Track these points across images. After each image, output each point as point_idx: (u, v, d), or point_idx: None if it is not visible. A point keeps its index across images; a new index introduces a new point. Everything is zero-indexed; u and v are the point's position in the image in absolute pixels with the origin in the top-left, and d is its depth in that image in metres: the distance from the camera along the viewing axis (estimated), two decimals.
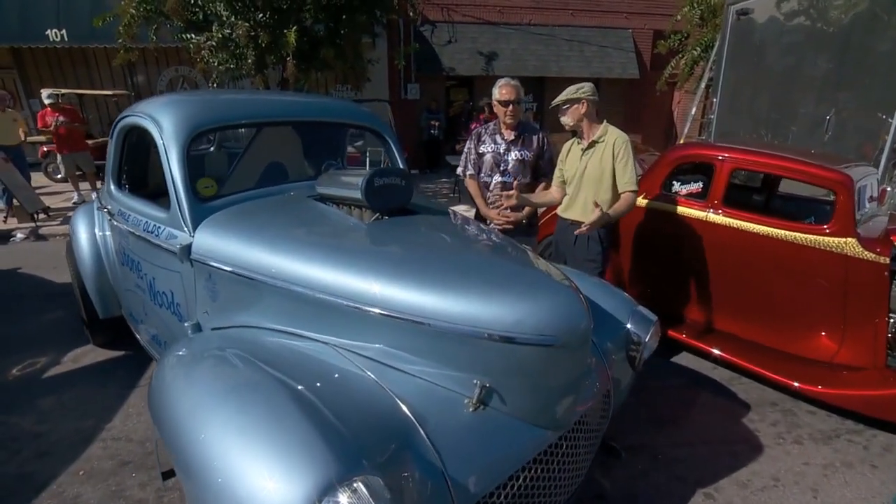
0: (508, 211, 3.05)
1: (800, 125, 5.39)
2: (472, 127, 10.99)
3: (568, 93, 2.68)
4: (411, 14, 8.85)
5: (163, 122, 1.97)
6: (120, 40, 6.37)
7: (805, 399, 2.84)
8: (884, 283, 2.67)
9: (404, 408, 1.29)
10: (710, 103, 7.06)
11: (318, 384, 1.31)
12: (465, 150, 3.20)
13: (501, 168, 3.04)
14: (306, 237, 1.73)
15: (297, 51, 6.72)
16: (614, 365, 1.93)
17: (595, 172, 2.69)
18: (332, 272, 1.52)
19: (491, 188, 3.08)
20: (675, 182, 3.35)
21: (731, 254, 3.07)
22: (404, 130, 11.61)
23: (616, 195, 2.71)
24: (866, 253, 2.66)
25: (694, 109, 8.18)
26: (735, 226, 3.00)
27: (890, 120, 4.49)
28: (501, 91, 2.94)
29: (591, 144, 2.71)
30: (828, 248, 2.75)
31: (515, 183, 2.94)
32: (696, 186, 3.28)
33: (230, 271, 1.73)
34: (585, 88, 2.66)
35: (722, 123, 6.61)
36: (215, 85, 7.52)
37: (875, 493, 2.24)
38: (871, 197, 3.18)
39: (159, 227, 2.02)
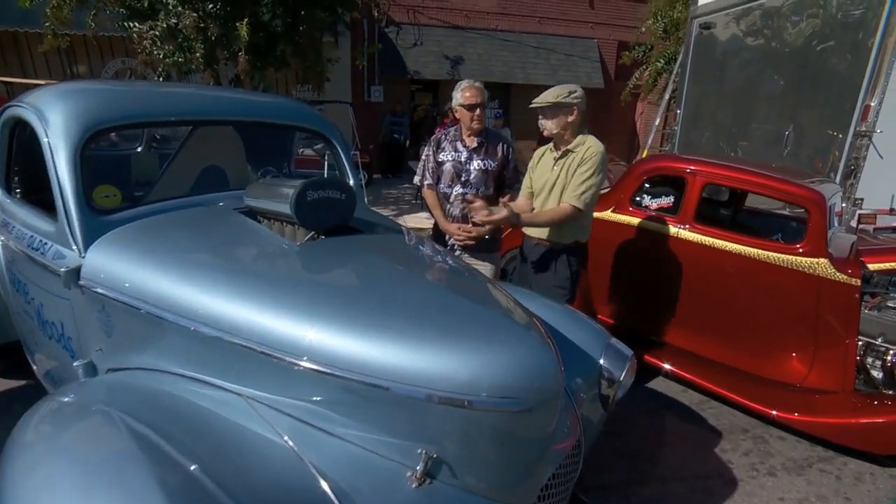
0: (470, 225, 2.82)
1: (759, 139, 5.43)
2: (437, 131, 10.72)
3: (557, 94, 2.29)
4: (375, 14, 8.56)
5: (50, 117, 1.61)
6: (47, 24, 5.77)
7: (776, 424, 2.73)
8: (854, 305, 2.58)
9: (325, 485, 1.01)
10: (673, 114, 7.10)
11: (217, 458, 1.02)
12: (424, 157, 2.94)
13: (462, 178, 2.79)
14: (221, 264, 1.42)
15: (252, 46, 6.31)
16: (584, 403, 1.71)
17: (562, 184, 2.43)
18: (247, 311, 1.22)
19: (451, 200, 2.83)
20: (644, 196, 3.20)
21: (702, 272, 2.94)
22: (367, 134, 11.28)
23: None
24: (838, 274, 2.56)
25: (658, 120, 8.23)
26: (707, 243, 2.86)
27: (840, 136, 4.56)
28: (465, 94, 2.68)
29: (565, 153, 2.44)
30: (800, 269, 2.64)
31: (474, 200, 2.71)
32: (666, 201, 3.14)
33: (125, 303, 1.40)
34: (578, 93, 2.34)
35: (685, 135, 6.64)
36: (161, 79, 6.98)
37: None
38: (838, 213, 3.13)
39: (46, 244, 1.66)
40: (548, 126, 2.39)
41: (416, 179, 2.96)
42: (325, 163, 9.20)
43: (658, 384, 3.17)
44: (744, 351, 2.92)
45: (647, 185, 3.23)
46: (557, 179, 2.45)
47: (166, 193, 2.12)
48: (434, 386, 1.03)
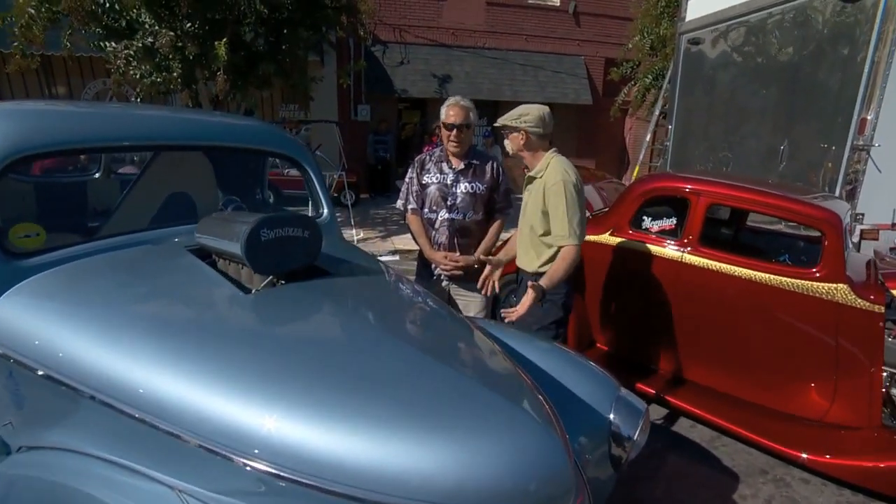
0: (457, 253, 2.59)
1: (753, 154, 5.30)
2: (426, 149, 10.51)
3: (509, 117, 2.29)
4: (361, 33, 8.44)
5: None
6: (15, 43, 5.53)
7: (796, 464, 2.49)
8: (878, 333, 2.38)
9: None
10: (664, 130, 7.00)
11: None
12: (407, 179, 2.71)
13: (448, 203, 2.56)
14: (151, 323, 1.17)
15: (232, 65, 6.12)
16: (590, 466, 1.47)
17: (532, 211, 2.32)
18: (178, 389, 0.97)
19: (436, 226, 2.60)
20: (644, 217, 3.00)
21: (709, 297, 2.73)
22: (354, 153, 11.10)
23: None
24: (859, 301, 2.36)
25: (648, 136, 8.14)
26: (714, 267, 2.65)
27: (835, 149, 4.44)
28: (448, 112, 2.48)
29: (531, 178, 2.35)
30: (816, 294, 2.44)
31: (459, 259, 2.54)
32: (668, 223, 2.94)
33: (34, 368, 1.14)
34: (529, 118, 2.22)
35: (677, 150, 6.52)
36: (139, 100, 6.75)
37: None
38: (850, 232, 2.96)
39: None
40: (507, 145, 2.36)
41: (399, 204, 2.74)
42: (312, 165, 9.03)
43: (664, 419, 2.93)
44: (757, 383, 2.70)
45: (646, 207, 3.03)
46: (528, 203, 2.36)
47: (122, 227, 1.87)
48: (408, 494, 0.78)
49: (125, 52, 5.44)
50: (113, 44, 5.70)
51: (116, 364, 1.07)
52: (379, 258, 7.13)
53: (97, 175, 2.76)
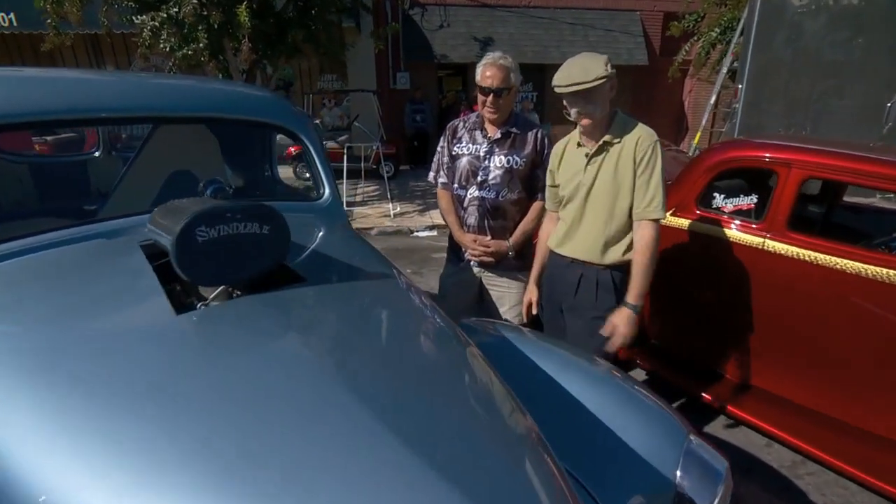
0: (489, 237, 2.21)
1: (848, 114, 4.52)
2: (462, 114, 9.82)
3: (598, 66, 1.63)
4: None
5: None
6: (48, 20, 5.47)
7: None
8: None
9: None
10: (733, 91, 6.18)
11: None
12: (439, 148, 2.34)
13: (479, 178, 2.17)
14: (48, 359, 0.85)
15: (261, 33, 5.85)
16: None
17: (608, 188, 1.78)
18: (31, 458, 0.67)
19: (465, 204, 2.23)
20: (715, 194, 2.49)
21: (796, 294, 2.21)
22: (393, 124, 10.74)
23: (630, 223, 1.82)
24: None
25: (713, 98, 7.28)
26: (805, 257, 2.14)
27: None
28: (485, 73, 2.04)
29: (603, 147, 1.79)
30: None
31: (489, 244, 2.16)
32: (747, 201, 2.42)
33: None
34: (609, 62, 1.68)
35: (748, 113, 5.74)
36: (173, 73, 6.65)
37: None
38: None
39: None
40: (590, 111, 1.72)
41: (431, 176, 2.38)
42: (360, 154, 8.75)
43: (732, 436, 2.48)
44: (856, 400, 2.19)
45: (717, 181, 2.51)
46: (595, 183, 1.81)
47: (123, 209, 1.62)
48: None
49: (151, 23, 5.25)
50: (141, 17, 5.55)
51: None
52: (416, 233, 6.85)
53: (97, 153, 2.56)
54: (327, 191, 1.78)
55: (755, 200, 2.39)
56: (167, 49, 5.68)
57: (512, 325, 1.56)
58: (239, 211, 0.95)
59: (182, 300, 1.07)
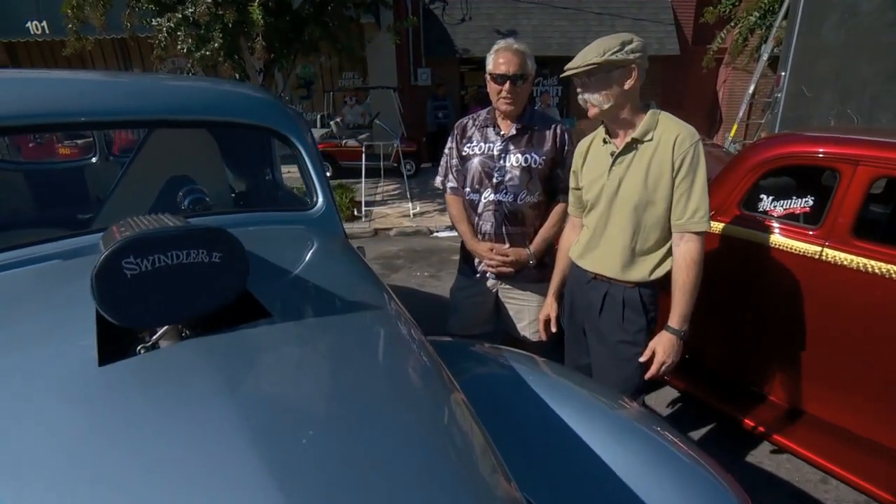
0: (507, 246, 1.99)
1: None
2: (472, 109, 9.71)
3: (603, 49, 1.42)
4: None
5: None
6: (70, 25, 5.49)
7: None
8: None
9: None
10: (776, 79, 5.74)
11: None
12: (447, 149, 2.13)
13: (495, 180, 1.95)
14: None
15: (277, 31, 5.75)
16: None
17: (637, 193, 1.52)
18: None
19: (479, 210, 2.01)
20: (762, 196, 2.20)
21: (860, 310, 1.92)
22: (415, 120, 10.58)
23: (668, 233, 1.56)
24: None
25: (751, 87, 6.83)
26: (876, 270, 1.84)
27: None
28: (497, 59, 1.82)
29: (631, 145, 1.54)
30: None
31: (507, 254, 1.94)
32: (800, 204, 2.12)
33: None
34: (636, 45, 1.44)
35: (791, 103, 5.31)
36: (192, 73, 6.63)
37: None
38: None
39: None
40: (594, 101, 1.49)
41: (438, 181, 2.17)
42: (380, 153, 8.60)
43: (780, 467, 2.20)
44: None
45: (763, 180, 2.22)
46: (621, 187, 1.56)
47: (117, 217, 1.49)
48: None
49: (167, 24, 5.21)
50: (158, 19, 5.53)
51: None
52: (436, 234, 6.65)
53: (94, 159, 2.45)
54: (321, 199, 1.59)
55: (811, 203, 2.10)
56: (184, 50, 5.65)
57: (525, 355, 1.34)
58: (180, 237, 0.77)
59: (126, 342, 0.90)
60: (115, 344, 0.85)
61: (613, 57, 1.41)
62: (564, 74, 1.51)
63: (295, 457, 0.59)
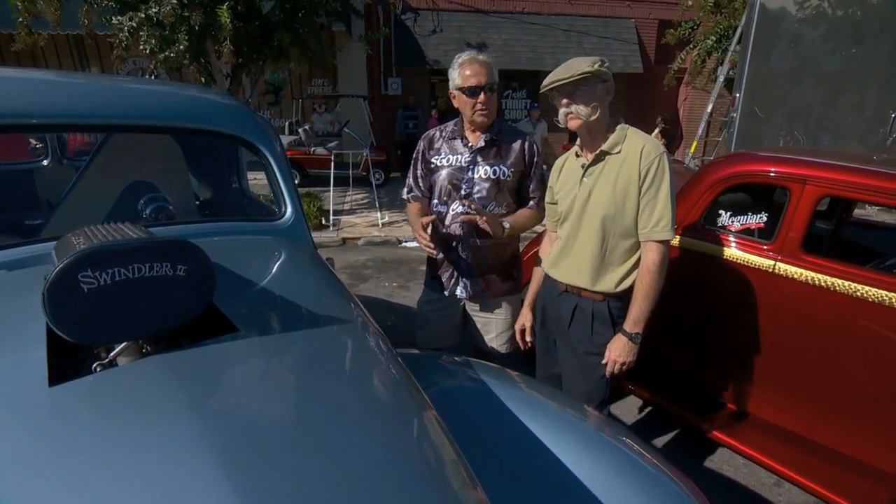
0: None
1: (850, 125, 4.39)
2: (430, 122, 9.82)
3: (585, 63, 1.47)
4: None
5: None
6: (20, 19, 5.22)
7: None
8: None
9: None
10: (731, 100, 6.05)
11: None
12: (413, 158, 2.13)
13: (463, 191, 1.96)
14: None
15: (246, 36, 5.65)
16: None
17: (606, 203, 1.58)
18: None
19: (447, 222, 2.01)
20: (721, 211, 2.30)
21: (810, 321, 2.03)
22: (384, 130, 10.57)
23: (637, 244, 1.62)
24: None
25: (709, 106, 7.15)
26: (824, 283, 1.95)
27: None
28: (465, 72, 1.83)
29: (599, 157, 1.60)
30: None
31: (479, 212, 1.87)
32: (755, 220, 2.23)
33: None
34: (608, 64, 1.52)
35: (745, 123, 5.60)
36: (153, 77, 6.41)
37: None
38: None
39: None
40: (580, 113, 1.53)
41: (404, 193, 2.16)
42: (349, 161, 8.50)
43: (737, 472, 2.29)
44: (876, 438, 2.00)
45: (722, 197, 2.33)
46: (591, 197, 1.60)
47: (69, 224, 1.41)
48: None
49: (128, 24, 5.03)
50: (119, 18, 5.33)
51: None
52: (405, 244, 6.63)
53: (46, 162, 2.33)
54: (289, 210, 1.56)
55: (765, 219, 2.21)
56: (147, 51, 5.46)
57: (494, 367, 1.35)
58: (143, 249, 0.74)
59: (81, 358, 0.85)
60: (67, 361, 0.81)
61: (602, 69, 1.48)
62: (558, 84, 1.51)
63: (263, 478, 0.57)
